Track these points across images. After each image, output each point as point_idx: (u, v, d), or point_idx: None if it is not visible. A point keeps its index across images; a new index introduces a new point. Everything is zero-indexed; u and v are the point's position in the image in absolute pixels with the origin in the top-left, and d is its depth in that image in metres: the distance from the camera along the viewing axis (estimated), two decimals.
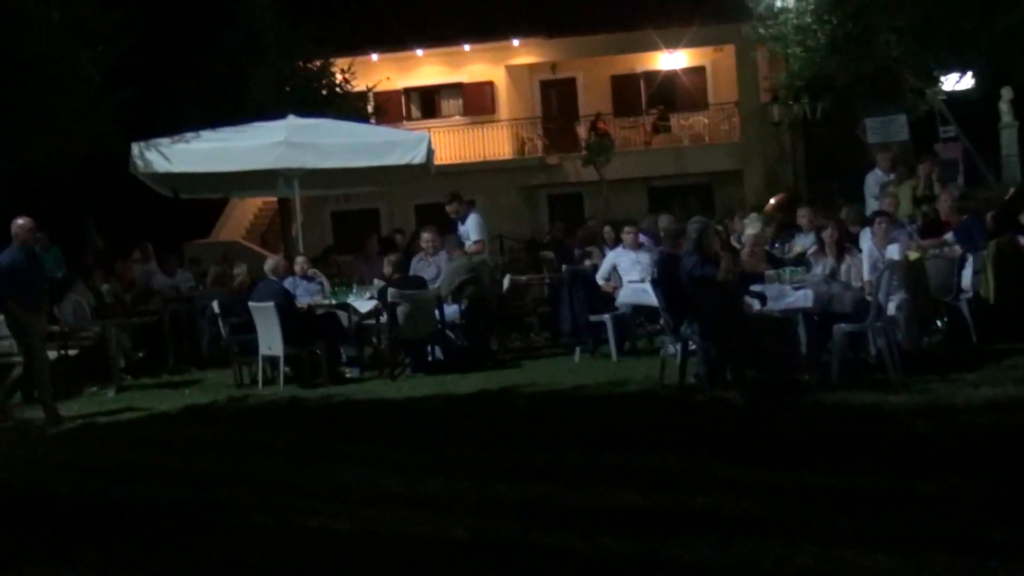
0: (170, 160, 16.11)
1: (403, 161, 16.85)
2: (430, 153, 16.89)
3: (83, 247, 20.90)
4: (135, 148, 15.98)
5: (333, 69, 26.20)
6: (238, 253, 24.22)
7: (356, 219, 32.03)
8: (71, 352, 15.37)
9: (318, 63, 26.00)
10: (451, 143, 33.91)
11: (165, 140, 16.19)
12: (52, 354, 15.04)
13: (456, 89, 36.34)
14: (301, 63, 25.56)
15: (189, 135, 16.28)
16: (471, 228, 16.55)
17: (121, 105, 11.95)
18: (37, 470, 10.42)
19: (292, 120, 17.41)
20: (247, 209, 34.15)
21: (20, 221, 12.84)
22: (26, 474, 10.27)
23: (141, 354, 16.88)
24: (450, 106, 36.53)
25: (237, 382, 15.02)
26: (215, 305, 15.74)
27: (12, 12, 9.97)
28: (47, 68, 10.31)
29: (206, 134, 16.54)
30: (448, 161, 31.03)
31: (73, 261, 19.20)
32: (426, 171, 17.71)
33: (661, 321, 12.98)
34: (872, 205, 16.73)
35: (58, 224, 21.14)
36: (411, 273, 15.88)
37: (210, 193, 19.73)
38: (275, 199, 27.47)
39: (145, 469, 9.90)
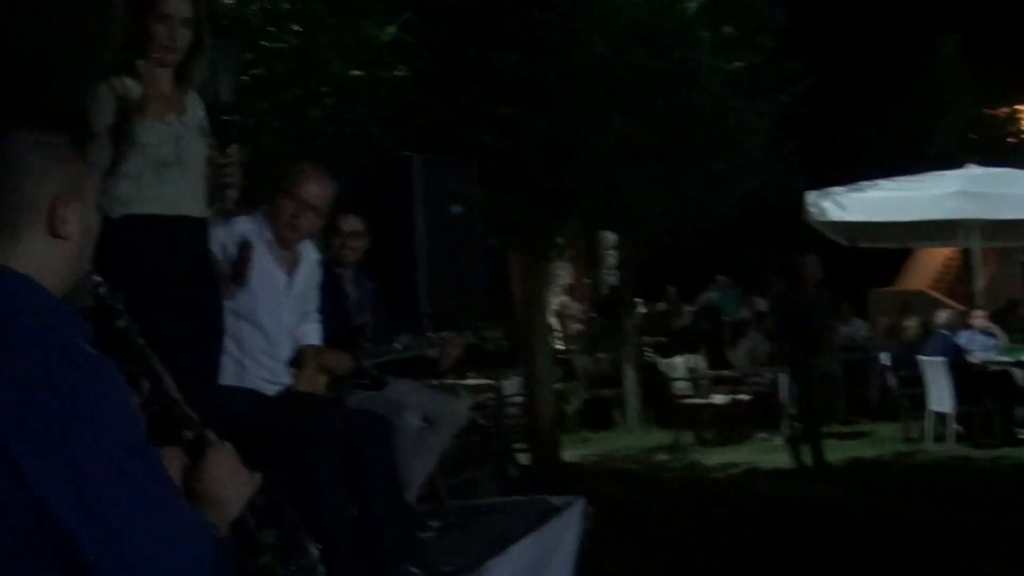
0: (845, 209, 16.05)
1: None
2: None
3: (763, 293, 21.28)
4: (810, 196, 16.12)
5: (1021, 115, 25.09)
6: (922, 303, 23.56)
7: None
8: (743, 397, 15.66)
9: (1006, 110, 24.98)
10: None
11: (840, 189, 16.18)
12: (723, 398, 15.47)
13: None
14: (987, 110, 24.64)
15: (865, 184, 16.16)
16: None
17: (792, 153, 12.00)
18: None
19: (971, 169, 16.77)
20: (935, 257, 33.23)
21: (808, 259, 13.04)
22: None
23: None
24: None
25: (905, 437, 14.70)
26: (885, 357, 15.52)
27: (685, 67, 10.28)
28: (715, 122, 10.52)
29: (883, 183, 16.34)
30: None
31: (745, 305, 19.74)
32: None
33: None
34: None
35: (739, 269, 21.81)
36: None
37: (886, 242, 19.43)
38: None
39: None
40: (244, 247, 4.93)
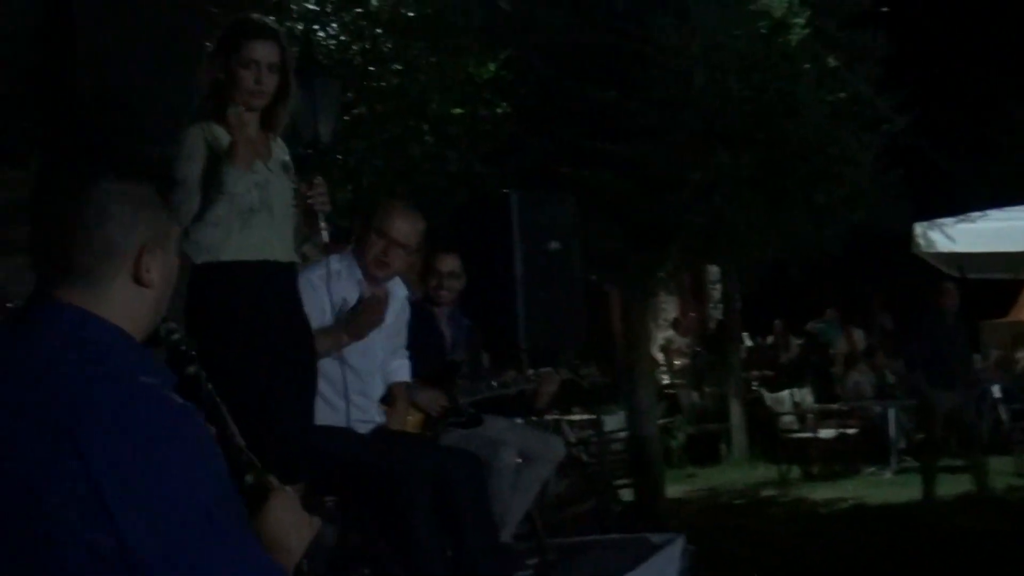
0: (954, 240, 15.79)
1: None
2: None
3: (870, 326, 21.00)
4: (918, 228, 15.87)
5: None
6: None
7: None
8: (850, 431, 15.44)
9: None
10: None
11: (949, 220, 15.94)
12: (830, 432, 15.27)
13: None
14: None
15: (974, 214, 15.90)
16: None
17: (897, 184, 11.83)
18: None
19: None
20: None
21: (948, 287, 12.85)
22: None
23: (921, 435, 16.61)
24: None
25: (1018, 471, 14.38)
26: (996, 390, 15.22)
27: (785, 99, 10.19)
28: (818, 153, 10.40)
29: (992, 213, 16.06)
30: None
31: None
32: None
33: None
34: None
35: (845, 301, 21.50)
36: None
37: (997, 273, 19.06)
38: None
39: None
40: (369, 307, 4.98)
